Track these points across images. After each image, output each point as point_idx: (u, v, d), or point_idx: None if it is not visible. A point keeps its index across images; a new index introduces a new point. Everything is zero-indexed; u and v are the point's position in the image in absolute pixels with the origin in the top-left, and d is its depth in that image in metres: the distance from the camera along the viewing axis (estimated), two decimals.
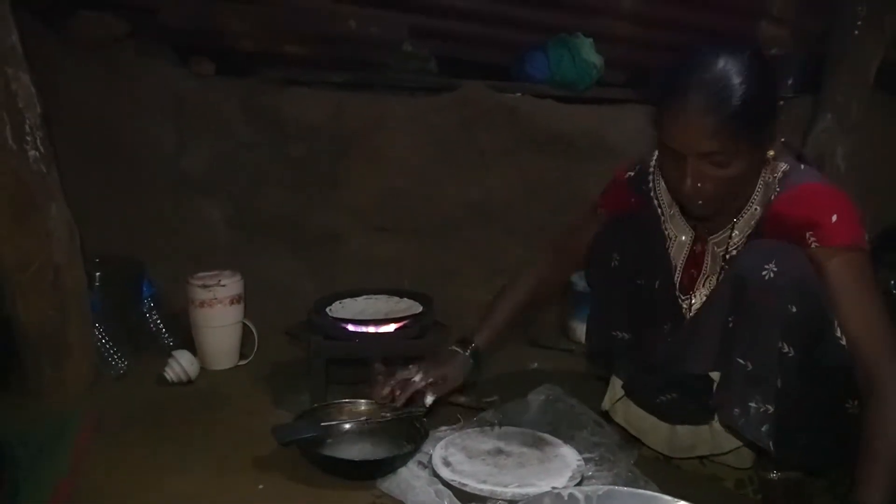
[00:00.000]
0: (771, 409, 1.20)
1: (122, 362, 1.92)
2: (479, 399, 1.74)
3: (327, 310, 1.85)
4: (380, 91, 2.54)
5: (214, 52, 2.45)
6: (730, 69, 1.19)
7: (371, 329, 1.77)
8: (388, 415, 1.59)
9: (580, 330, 1.94)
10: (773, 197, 1.30)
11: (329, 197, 2.45)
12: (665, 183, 1.39)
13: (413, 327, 1.79)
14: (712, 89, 1.18)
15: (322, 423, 1.56)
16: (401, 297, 1.96)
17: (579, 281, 1.98)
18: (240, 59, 2.46)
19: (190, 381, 1.89)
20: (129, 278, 2.07)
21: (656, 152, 1.43)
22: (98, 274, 1.93)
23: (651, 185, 1.48)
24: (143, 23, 2.33)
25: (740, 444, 1.41)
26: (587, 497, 1.23)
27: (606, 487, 1.22)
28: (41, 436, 1.54)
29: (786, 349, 1.18)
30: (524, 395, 1.75)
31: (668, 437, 1.51)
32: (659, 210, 1.47)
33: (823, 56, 2.54)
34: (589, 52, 2.61)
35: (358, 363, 1.77)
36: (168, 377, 1.87)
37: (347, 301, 1.93)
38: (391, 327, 1.77)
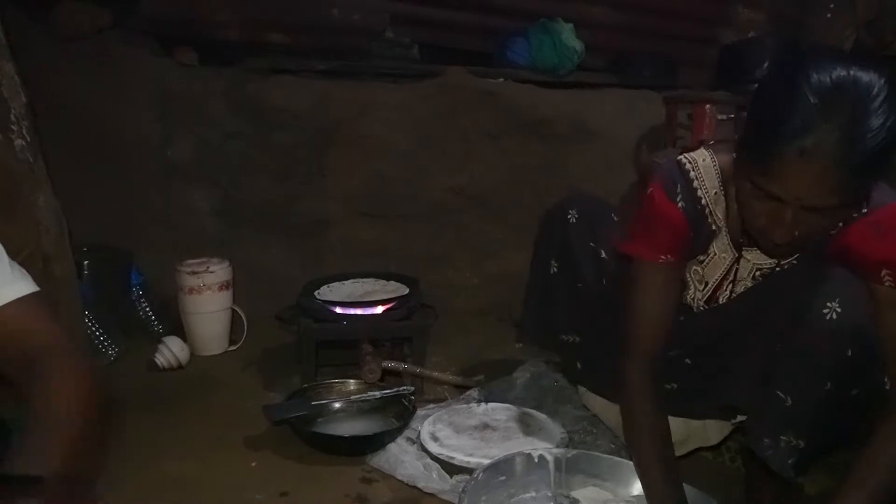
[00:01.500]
0: (802, 444, 1.15)
1: (113, 349, 1.95)
2: (466, 378, 1.78)
3: (316, 293, 1.88)
4: (363, 79, 2.56)
5: (198, 41, 2.45)
6: (867, 105, 0.90)
7: (359, 311, 1.80)
8: (377, 393, 1.63)
9: None
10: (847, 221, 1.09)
11: (315, 184, 2.47)
12: (746, 221, 1.11)
13: (400, 308, 1.82)
14: (847, 136, 0.90)
15: (313, 402, 1.59)
16: (387, 279, 2.00)
17: None
18: (224, 48, 2.47)
19: (181, 367, 1.92)
20: (118, 267, 2.09)
21: (683, 162, 1.21)
22: (86, 263, 1.95)
23: (704, 202, 1.20)
24: (126, 13, 2.33)
25: (727, 432, 1.44)
26: (556, 459, 1.28)
27: (575, 451, 1.26)
28: None
29: (828, 386, 1.12)
30: (509, 373, 1.80)
31: None
32: (714, 227, 1.22)
33: (798, 39, 2.59)
34: (569, 38, 2.63)
35: (347, 345, 1.81)
36: (159, 363, 1.90)
37: (335, 285, 1.96)
38: (378, 309, 1.81)
